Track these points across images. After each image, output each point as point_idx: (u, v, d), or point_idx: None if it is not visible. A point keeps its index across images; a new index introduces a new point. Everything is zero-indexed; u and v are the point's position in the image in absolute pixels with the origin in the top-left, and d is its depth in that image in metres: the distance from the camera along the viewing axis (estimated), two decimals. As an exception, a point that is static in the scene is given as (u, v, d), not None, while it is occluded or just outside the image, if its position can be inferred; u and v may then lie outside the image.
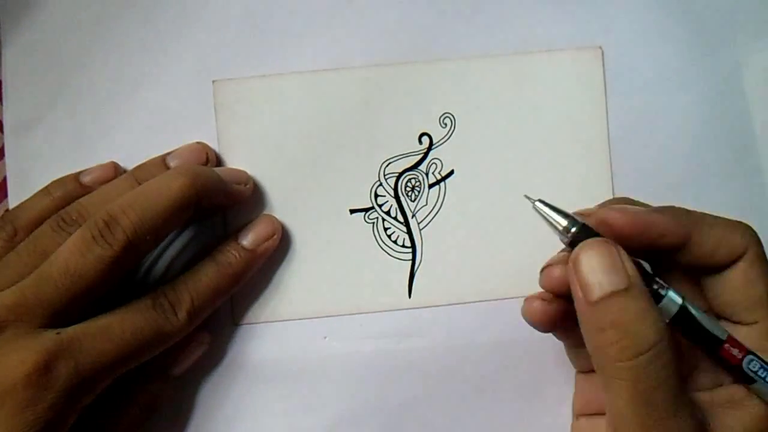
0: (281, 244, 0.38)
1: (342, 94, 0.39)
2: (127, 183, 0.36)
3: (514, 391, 0.38)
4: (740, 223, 0.31)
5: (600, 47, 0.39)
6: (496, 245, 0.38)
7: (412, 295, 0.38)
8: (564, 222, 0.29)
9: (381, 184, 0.39)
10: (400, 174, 0.39)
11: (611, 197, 0.39)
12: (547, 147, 0.39)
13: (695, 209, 0.31)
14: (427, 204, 0.39)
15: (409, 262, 0.39)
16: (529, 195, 0.31)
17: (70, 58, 0.39)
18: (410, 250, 0.39)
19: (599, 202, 0.33)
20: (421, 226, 0.39)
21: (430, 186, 0.39)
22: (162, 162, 0.37)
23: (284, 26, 0.39)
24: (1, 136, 0.39)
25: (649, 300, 0.27)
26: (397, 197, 0.39)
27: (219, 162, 0.38)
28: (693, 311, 0.29)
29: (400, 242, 0.39)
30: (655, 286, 0.29)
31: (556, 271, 0.30)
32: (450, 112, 0.39)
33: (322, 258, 0.38)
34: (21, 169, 0.39)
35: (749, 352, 0.29)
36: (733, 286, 0.30)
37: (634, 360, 0.26)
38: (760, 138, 0.39)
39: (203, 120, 0.38)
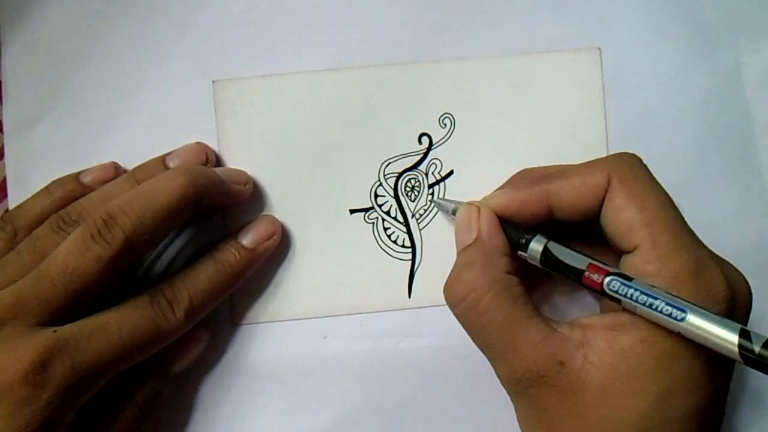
0: (281, 244, 0.38)
1: (342, 94, 0.39)
2: (126, 183, 0.36)
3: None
4: (606, 157, 0.32)
5: (598, 48, 0.39)
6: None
7: (412, 295, 0.38)
8: (451, 206, 0.36)
9: (381, 184, 0.39)
10: (400, 174, 0.39)
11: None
12: (545, 147, 0.39)
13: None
14: (427, 204, 0.39)
15: (409, 262, 0.39)
16: (432, 199, 0.39)
17: (70, 58, 0.39)
18: (410, 250, 0.39)
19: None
20: (421, 226, 0.39)
21: (430, 186, 0.39)
22: (162, 162, 0.37)
23: (284, 26, 0.39)
24: (1, 136, 0.39)
25: (483, 253, 0.31)
26: (397, 197, 0.39)
27: (219, 162, 0.38)
28: (553, 250, 0.31)
29: (400, 242, 0.39)
30: (522, 240, 0.32)
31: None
32: (450, 112, 0.39)
33: (322, 258, 0.38)
34: (21, 169, 0.39)
35: (610, 273, 0.29)
36: (607, 219, 0.31)
37: (454, 308, 0.32)
38: (760, 138, 0.39)
39: (203, 120, 0.38)
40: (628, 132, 0.39)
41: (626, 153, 0.32)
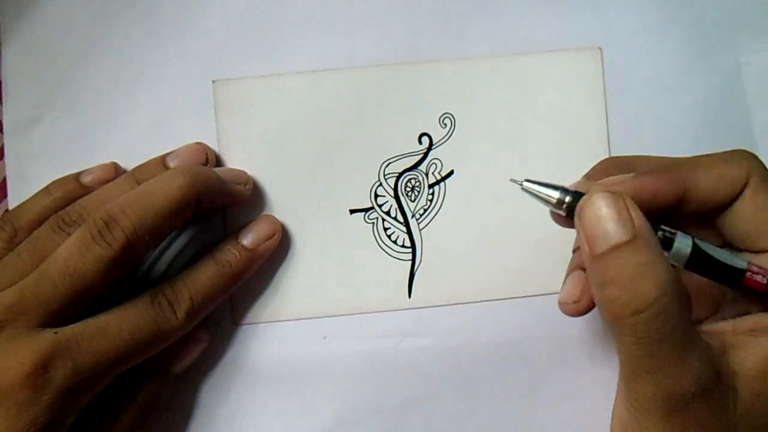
0: (281, 244, 0.38)
1: (342, 94, 0.39)
2: (127, 183, 0.36)
3: (514, 391, 0.38)
4: (737, 152, 0.30)
5: (599, 48, 0.39)
6: (496, 245, 0.38)
7: (412, 295, 0.38)
8: (556, 194, 0.29)
9: (381, 184, 0.39)
10: (400, 174, 0.39)
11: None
12: (546, 147, 0.39)
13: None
14: (427, 204, 0.39)
15: (409, 262, 0.39)
16: (514, 178, 0.31)
17: (69, 58, 0.39)
18: (410, 250, 0.39)
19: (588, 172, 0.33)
20: (421, 226, 0.39)
21: (430, 186, 0.39)
22: (162, 162, 0.37)
23: (284, 26, 0.39)
24: (1, 136, 0.39)
25: (654, 252, 0.26)
26: (397, 197, 0.39)
27: (219, 162, 0.38)
28: (706, 248, 0.28)
29: (400, 242, 0.39)
30: (662, 234, 0.28)
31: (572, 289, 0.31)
32: (450, 112, 0.39)
33: (322, 258, 0.38)
34: (21, 169, 0.39)
35: None
36: (744, 216, 0.29)
37: (634, 317, 0.26)
38: (760, 138, 0.39)
39: (203, 120, 0.38)
40: (628, 132, 0.39)
41: (752, 153, 0.30)
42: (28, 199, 0.37)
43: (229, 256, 0.36)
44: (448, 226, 0.39)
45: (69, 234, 0.33)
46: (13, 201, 0.38)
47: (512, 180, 0.31)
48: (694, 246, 0.28)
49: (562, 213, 0.29)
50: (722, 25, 0.39)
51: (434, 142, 0.39)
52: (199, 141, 0.38)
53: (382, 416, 0.38)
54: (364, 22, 0.39)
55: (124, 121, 0.39)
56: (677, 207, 0.29)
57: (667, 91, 0.39)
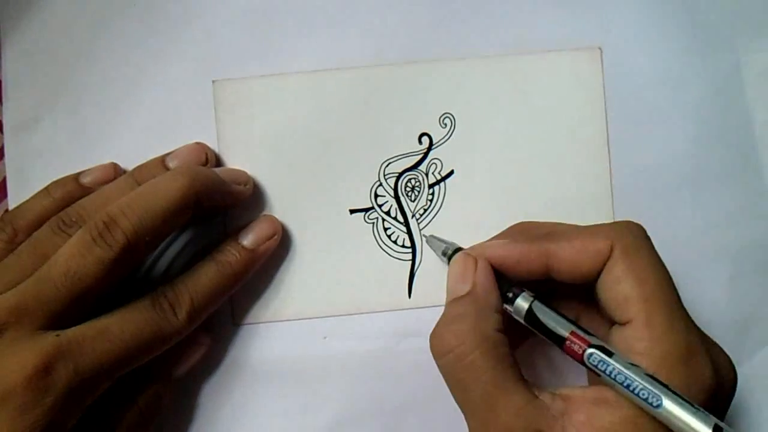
0: (281, 244, 0.38)
1: (342, 94, 0.39)
2: (126, 184, 0.36)
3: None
4: (610, 224, 0.32)
5: (599, 47, 0.39)
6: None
7: (412, 295, 0.38)
8: (441, 247, 0.35)
9: (381, 184, 0.39)
10: (400, 174, 0.39)
11: (610, 197, 0.39)
12: (546, 147, 0.39)
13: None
14: (427, 204, 0.39)
15: (409, 262, 0.39)
16: (424, 234, 0.38)
17: (70, 58, 0.39)
18: (410, 250, 0.39)
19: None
20: (421, 226, 0.39)
21: (430, 186, 0.39)
22: (162, 162, 0.37)
23: (284, 26, 0.39)
24: (1, 136, 0.39)
25: (473, 307, 0.30)
26: (397, 197, 0.39)
27: (219, 162, 0.38)
28: (537, 312, 0.31)
29: (400, 242, 0.39)
30: (510, 293, 0.31)
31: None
32: (450, 112, 0.39)
33: (322, 258, 0.38)
34: (21, 169, 0.39)
35: (592, 345, 0.29)
36: (605, 287, 0.30)
37: (438, 359, 0.30)
38: (760, 138, 0.39)
39: (203, 120, 0.38)
40: (628, 131, 0.39)
41: (631, 222, 0.31)
42: (28, 200, 0.37)
43: (230, 256, 0.36)
44: (448, 226, 0.39)
45: (69, 235, 0.33)
46: (13, 201, 0.38)
47: (422, 235, 0.38)
48: (530, 307, 0.31)
49: (444, 259, 0.35)
50: (722, 25, 0.39)
51: (434, 142, 0.39)
52: (199, 141, 0.38)
53: (382, 416, 0.38)
54: (364, 22, 0.39)
55: (124, 121, 0.39)
56: (549, 275, 0.31)
57: (667, 91, 0.39)
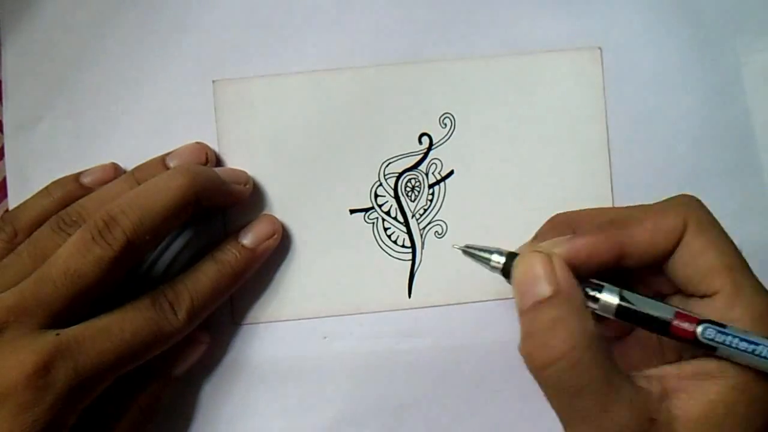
0: (281, 244, 0.38)
1: (342, 94, 0.39)
2: (126, 183, 0.36)
3: (514, 391, 0.38)
4: (674, 199, 0.31)
5: (599, 48, 0.39)
6: (495, 245, 0.38)
7: (412, 295, 0.38)
8: (493, 256, 0.31)
9: (381, 184, 0.39)
10: (400, 174, 0.39)
11: (610, 197, 0.39)
12: (546, 147, 0.39)
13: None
14: (427, 204, 0.39)
15: (409, 262, 0.39)
16: (455, 244, 0.32)
17: (70, 58, 0.39)
18: (410, 250, 0.39)
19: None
20: (421, 226, 0.39)
21: (430, 186, 0.39)
22: (161, 162, 0.37)
23: (284, 26, 0.39)
24: (1, 136, 0.39)
25: (572, 307, 0.28)
26: (397, 197, 0.39)
27: (219, 162, 0.38)
28: (630, 302, 0.29)
29: (400, 242, 0.39)
30: (589, 290, 0.29)
31: None
32: (450, 112, 0.39)
33: (322, 258, 0.38)
34: (21, 169, 0.39)
35: (701, 321, 0.28)
36: (684, 263, 0.29)
37: (546, 370, 0.27)
38: (760, 138, 0.39)
39: (203, 120, 0.38)
40: (628, 132, 0.39)
41: (691, 196, 0.31)
42: (28, 200, 0.37)
43: (230, 256, 0.36)
44: (448, 226, 0.39)
45: (69, 234, 0.33)
46: (13, 201, 0.38)
47: (453, 245, 0.33)
48: (621, 299, 0.29)
49: (499, 274, 0.31)
50: (722, 25, 0.39)
51: (434, 142, 0.39)
52: (199, 141, 0.38)
53: (382, 416, 0.38)
54: (364, 22, 0.39)
55: (124, 121, 0.39)
56: (620, 262, 0.30)
57: (667, 91, 0.39)
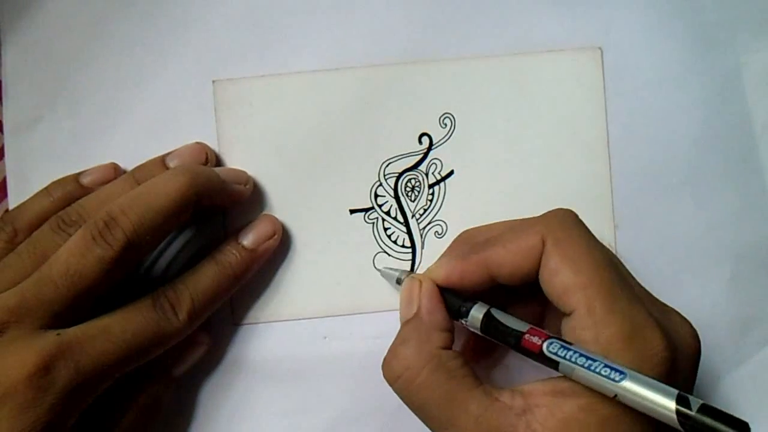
0: (281, 244, 0.38)
1: (342, 94, 0.39)
2: (126, 183, 0.36)
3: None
4: (540, 217, 0.32)
5: (599, 48, 0.39)
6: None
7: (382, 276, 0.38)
8: (395, 276, 0.36)
9: (381, 184, 0.39)
10: (400, 174, 0.39)
11: (610, 197, 0.39)
12: (546, 147, 0.39)
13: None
14: (427, 204, 0.39)
15: (409, 262, 0.39)
16: (376, 266, 0.38)
17: (70, 58, 0.39)
18: (410, 250, 0.39)
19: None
20: (421, 226, 0.39)
21: (430, 186, 0.39)
22: (161, 162, 0.37)
23: (284, 26, 0.39)
24: (1, 136, 0.39)
25: (420, 329, 0.31)
26: (397, 197, 0.39)
27: (219, 162, 0.38)
28: (495, 316, 0.31)
29: (400, 242, 0.39)
30: (462, 308, 0.32)
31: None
32: (450, 112, 0.39)
33: (322, 258, 0.38)
34: (21, 169, 0.39)
35: (550, 337, 0.29)
36: (545, 281, 0.30)
37: (392, 384, 0.31)
38: (760, 138, 0.39)
39: (203, 120, 0.38)
40: (628, 132, 0.39)
41: (561, 210, 0.32)
42: (28, 200, 0.37)
43: (230, 256, 0.36)
44: (448, 226, 0.39)
45: (69, 234, 0.33)
46: (13, 201, 0.38)
47: (378, 269, 0.38)
48: (487, 314, 0.31)
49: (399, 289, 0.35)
50: (722, 25, 0.39)
51: (434, 142, 0.39)
52: (199, 141, 0.38)
53: (382, 416, 0.38)
54: (364, 22, 0.39)
55: (124, 121, 0.39)
56: (495, 281, 0.32)
57: (667, 91, 0.39)
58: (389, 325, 0.38)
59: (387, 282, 0.38)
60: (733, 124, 0.39)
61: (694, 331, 0.30)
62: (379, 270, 0.38)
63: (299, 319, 0.38)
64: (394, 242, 0.39)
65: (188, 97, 0.39)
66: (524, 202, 0.39)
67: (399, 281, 0.36)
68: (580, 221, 0.31)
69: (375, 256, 0.39)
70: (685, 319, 0.31)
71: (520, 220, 0.33)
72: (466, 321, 0.32)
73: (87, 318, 0.31)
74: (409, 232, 0.39)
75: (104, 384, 0.31)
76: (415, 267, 0.39)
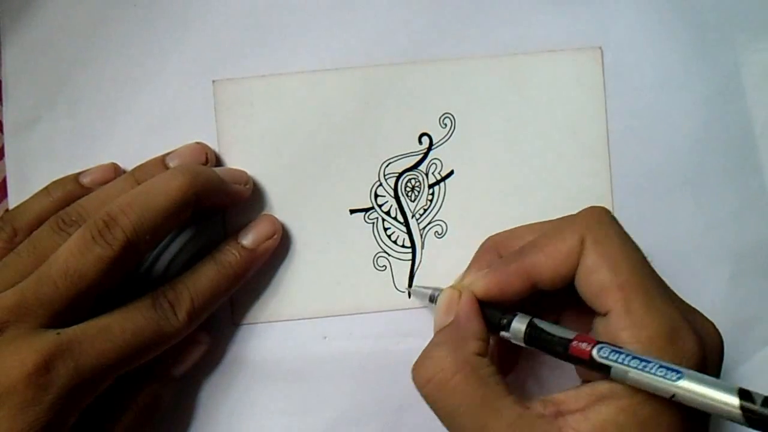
0: (281, 244, 0.38)
1: (342, 94, 0.39)
2: (126, 183, 0.36)
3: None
4: (575, 216, 0.31)
5: (599, 47, 0.39)
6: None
7: (412, 296, 0.38)
8: (428, 293, 0.35)
9: (381, 184, 0.39)
10: (400, 174, 0.39)
11: (610, 197, 0.39)
12: (546, 147, 0.39)
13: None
14: (427, 204, 0.39)
15: (409, 262, 0.39)
16: (407, 289, 0.38)
17: (70, 58, 0.39)
18: (410, 250, 0.39)
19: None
20: (421, 226, 0.39)
21: (430, 186, 0.39)
22: (161, 162, 0.37)
23: (284, 26, 0.39)
24: (1, 136, 0.39)
25: (455, 335, 0.31)
26: (397, 197, 0.39)
27: (219, 162, 0.38)
28: (540, 326, 0.31)
29: (400, 242, 0.39)
30: (503, 321, 0.31)
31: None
32: (450, 112, 0.39)
33: (322, 258, 0.38)
34: (21, 169, 0.39)
35: (599, 342, 0.28)
36: (582, 281, 0.30)
37: (422, 389, 0.30)
38: (760, 138, 0.39)
39: (203, 120, 0.38)
40: (628, 131, 0.39)
41: (596, 208, 0.31)
42: (28, 200, 0.37)
43: (230, 256, 0.36)
44: (448, 226, 0.39)
45: (69, 234, 0.33)
46: (13, 201, 0.38)
47: (406, 290, 0.39)
48: (530, 324, 0.31)
49: (433, 305, 0.35)
50: (722, 25, 0.39)
51: (434, 142, 0.39)
52: (199, 141, 0.38)
53: (382, 416, 0.38)
54: (364, 22, 0.39)
55: (124, 121, 0.39)
56: (536, 288, 0.31)
57: (667, 90, 0.39)
58: (389, 325, 0.38)
59: (385, 286, 0.38)
60: (733, 124, 0.39)
61: (717, 330, 0.30)
62: (410, 291, 0.38)
63: (299, 319, 0.38)
64: (394, 242, 0.39)
65: (188, 97, 0.39)
66: (524, 201, 0.39)
67: (432, 299, 0.35)
68: (615, 218, 0.31)
69: (375, 256, 0.39)
70: (707, 318, 0.31)
71: (551, 222, 0.33)
72: (506, 333, 0.31)
73: (87, 317, 0.31)
74: (409, 232, 0.39)
75: (104, 383, 0.31)
76: (415, 267, 0.39)
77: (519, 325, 0.31)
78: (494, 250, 0.35)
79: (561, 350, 0.30)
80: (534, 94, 0.39)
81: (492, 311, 0.32)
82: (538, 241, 0.31)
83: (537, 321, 0.31)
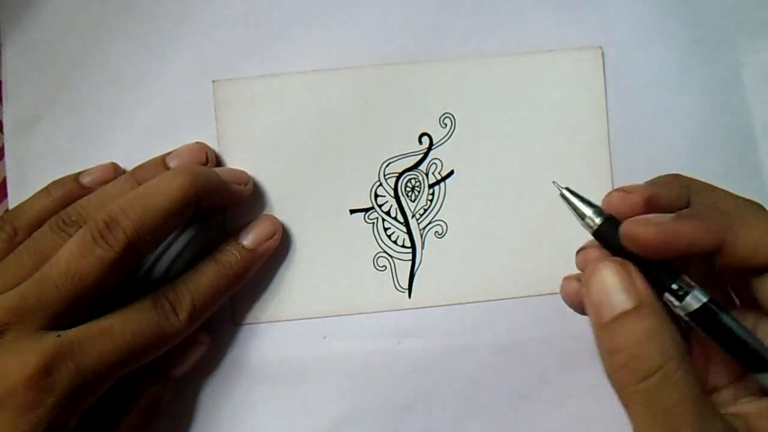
0: (281, 244, 0.38)
1: (342, 94, 0.39)
2: (126, 183, 0.36)
3: (514, 392, 0.38)
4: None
5: (600, 47, 0.39)
6: (496, 245, 0.39)
7: (412, 295, 0.38)
8: (589, 212, 0.28)
9: (381, 184, 0.39)
10: (400, 174, 0.39)
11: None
12: (547, 147, 0.39)
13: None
14: (427, 204, 0.39)
15: (409, 262, 0.39)
16: (556, 181, 0.30)
17: (70, 58, 0.39)
18: (410, 250, 0.39)
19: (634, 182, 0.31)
20: (421, 226, 0.39)
21: (430, 186, 0.39)
22: (162, 162, 0.37)
23: (284, 26, 0.39)
24: (1, 136, 0.39)
25: (659, 318, 0.26)
26: (397, 197, 0.39)
27: (219, 162, 0.38)
28: (722, 318, 0.26)
29: (400, 242, 0.39)
30: (674, 285, 0.27)
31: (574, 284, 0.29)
32: (450, 112, 0.39)
33: (322, 258, 0.38)
34: (21, 169, 0.39)
35: None
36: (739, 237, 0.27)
37: (643, 383, 0.25)
38: (760, 138, 0.39)
39: (203, 120, 0.38)
40: (629, 132, 0.39)
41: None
42: (28, 199, 0.37)
43: (230, 256, 0.36)
44: (448, 226, 0.39)
45: (69, 235, 0.33)
46: (13, 201, 0.38)
47: (554, 183, 0.30)
48: (708, 309, 0.27)
49: (591, 232, 0.28)
50: (722, 25, 0.39)
51: (434, 142, 0.39)
52: (199, 141, 0.38)
53: (382, 416, 0.38)
54: (364, 22, 0.39)
55: (124, 121, 0.39)
56: (710, 259, 0.28)
57: (667, 90, 0.39)
58: (389, 325, 0.38)
59: (385, 286, 0.38)
60: (733, 124, 0.39)
61: None
62: (561, 189, 0.29)
63: (299, 319, 0.38)
64: (394, 242, 0.39)
65: (188, 97, 0.39)
66: (524, 201, 0.39)
67: (590, 222, 0.28)
68: None
69: (375, 256, 0.39)
70: None
71: (752, 202, 0.29)
72: (673, 300, 0.27)
73: (87, 319, 0.31)
74: (409, 232, 0.39)
75: (105, 385, 0.31)
76: (415, 267, 0.39)
77: (693, 301, 0.26)
78: (683, 186, 0.30)
79: (737, 352, 0.26)
80: (534, 94, 0.39)
81: (654, 267, 0.27)
82: (746, 215, 0.28)
83: (719, 308, 0.27)
